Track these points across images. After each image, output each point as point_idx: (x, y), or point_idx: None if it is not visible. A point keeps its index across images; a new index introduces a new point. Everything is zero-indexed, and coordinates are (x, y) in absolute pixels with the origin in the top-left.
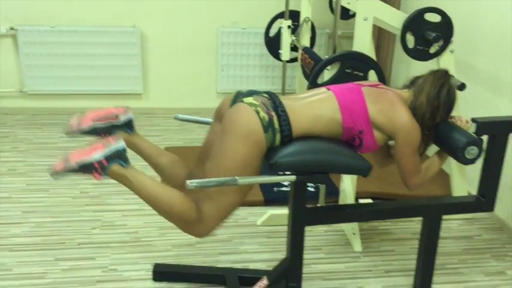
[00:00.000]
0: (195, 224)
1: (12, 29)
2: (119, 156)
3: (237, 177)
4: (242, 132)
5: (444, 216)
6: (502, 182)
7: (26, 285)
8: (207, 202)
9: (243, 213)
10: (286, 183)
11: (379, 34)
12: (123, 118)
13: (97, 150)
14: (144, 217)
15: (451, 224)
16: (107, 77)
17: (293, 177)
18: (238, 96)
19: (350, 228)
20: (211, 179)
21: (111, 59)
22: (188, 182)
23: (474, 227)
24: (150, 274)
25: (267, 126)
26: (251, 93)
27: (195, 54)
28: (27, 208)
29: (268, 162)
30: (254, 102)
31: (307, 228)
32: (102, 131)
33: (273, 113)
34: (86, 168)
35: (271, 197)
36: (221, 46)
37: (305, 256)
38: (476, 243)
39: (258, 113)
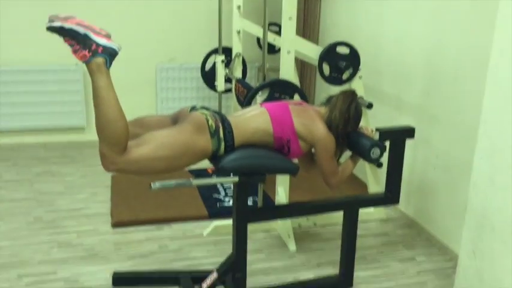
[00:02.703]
0: (117, 151)
1: None
2: (110, 56)
3: (191, 180)
4: (195, 125)
5: (364, 217)
6: (410, 186)
7: None
8: (143, 147)
9: (190, 227)
10: (227, 199)
11: (302, 67)
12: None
13: (102, 38)
14: (98, 236)
15: (370, 224)
16: (51, 112)
17: (236, 178)
18: (193, 108)
19: (285, 232)
20: (172, 181)
21: (55, 96)
22: (152, 184)
23: (389, 225)
24: (109, 282)
25: (214, 133)
26: (204, 107)
27: (136, 89)
28: None
29: (216, 167)
30: (206, 112)
31: (249, 234)
32: (74, 37)
33: (220, 124)
34: (85, 41)
35: (214, 211)
36: (160, 81)
37: (248, 257)
38: (391, 238)
39: (207, 121)
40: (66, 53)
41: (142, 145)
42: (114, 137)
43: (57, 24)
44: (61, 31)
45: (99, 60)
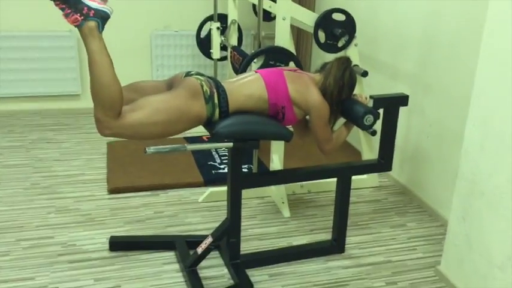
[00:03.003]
0: (112, 116)
1: None
2: (102, 19)
3: (186, 145)
4: (190, 90)
5: (357, 185)
6: (403, 154)
7: None
8: (138, 112)
9: (185, 193)
10: (222, 166)
11: (298, 35)
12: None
13: (94, 1)
14: (95, 201)
15: (363, 191)
16: (45, 79)
17: (230, 144)
18: (188, 74)
19: (279, 198)
20: (166, 146)
21: (50, 62)
22: (147, 148)
23: (382, 193)
24: (106, 246)
25: (208, 99)
26: (198, 73)
27: (131, 56)
28: None
29: (211, 132)
30: (201, 78)
31: (243, 201)
32: (65, 1)
33: (215, 90)
34: (76, 5)
35: (209, 178)
36: (155, 48)
37: (242, 223)
38: (383, 205)
39: (202, 86)
40: (59, 19)
41: (137, 110)
42: (109, 102)
43: None
44: None
45: (91, 23)
